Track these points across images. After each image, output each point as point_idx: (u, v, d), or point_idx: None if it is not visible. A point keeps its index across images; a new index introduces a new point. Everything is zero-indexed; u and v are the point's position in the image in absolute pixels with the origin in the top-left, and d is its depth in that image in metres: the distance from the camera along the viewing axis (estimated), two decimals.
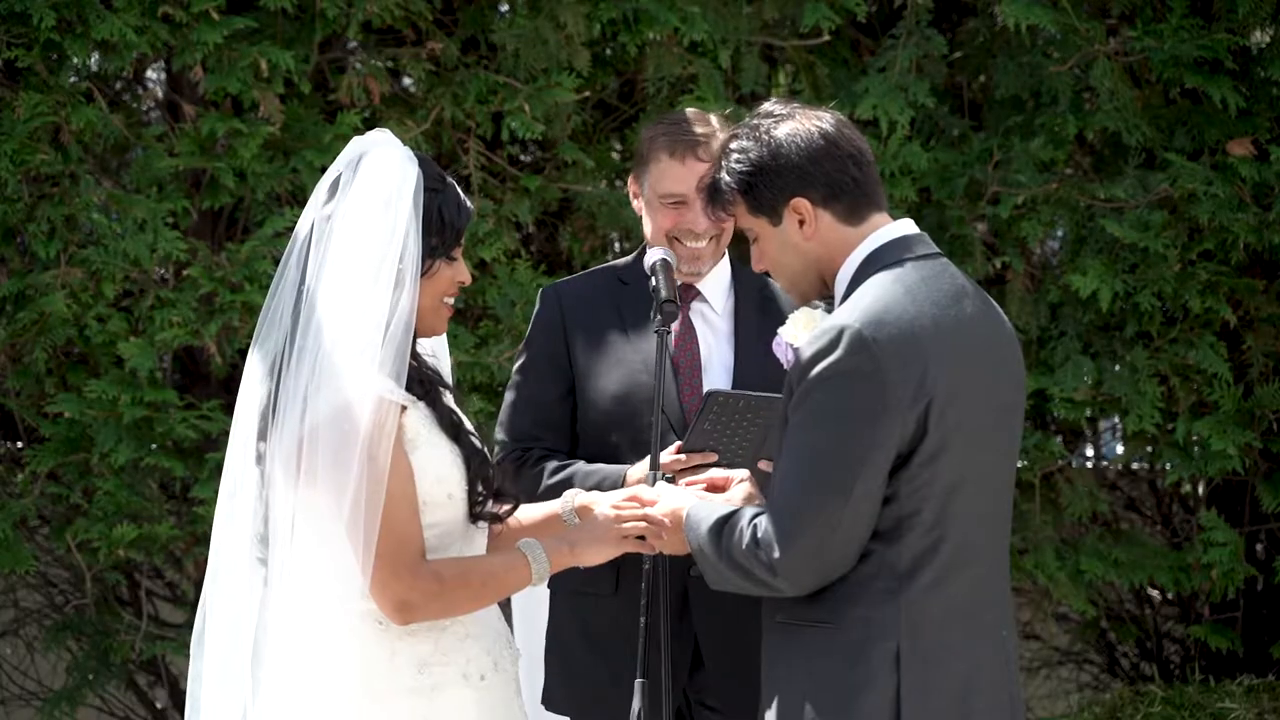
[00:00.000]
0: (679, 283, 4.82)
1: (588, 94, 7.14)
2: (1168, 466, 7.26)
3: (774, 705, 3.90)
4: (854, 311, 3.84)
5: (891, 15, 7.35)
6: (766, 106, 4.08)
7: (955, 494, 3.86)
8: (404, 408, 3.92)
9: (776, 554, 3.79)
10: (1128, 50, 7.01)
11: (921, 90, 7.03)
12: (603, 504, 4.19)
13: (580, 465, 4.78)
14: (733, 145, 4.03)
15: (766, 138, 3.99)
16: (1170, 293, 6.95)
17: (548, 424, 4.88)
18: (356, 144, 4.05)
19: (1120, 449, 7.67)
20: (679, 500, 4.08)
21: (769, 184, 3.97)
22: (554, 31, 6.98)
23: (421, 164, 4.01)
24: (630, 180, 4.95)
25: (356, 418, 3.84)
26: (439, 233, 4.00)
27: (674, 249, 4.81)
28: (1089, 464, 7.97)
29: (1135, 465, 7.92)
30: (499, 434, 4.93)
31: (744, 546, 3.84)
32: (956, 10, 7.56)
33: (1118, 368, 7.03)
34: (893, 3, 7.32)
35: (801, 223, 3.96)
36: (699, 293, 4.89)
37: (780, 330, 4.06)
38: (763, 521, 3.83)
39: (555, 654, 4.97)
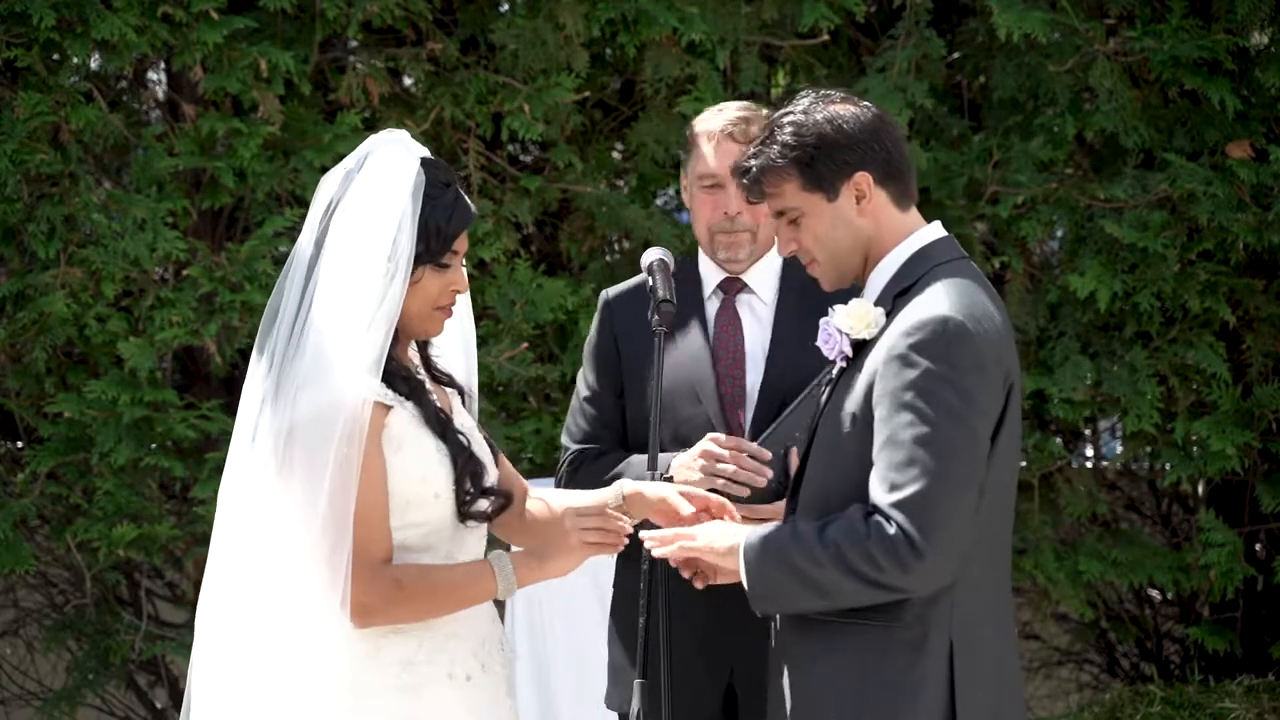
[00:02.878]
0: (724, 275, 4.89)
1: (587, 94, 7.14)
2: (1167, 466, 7.26)
3: (813, 704, 3.89)
4: (942, 304, 3.82)
5: (890, 15, 7.35)
6: (806, 93, 4.06)
7: (998, 488, 3.87)
8: (389, 407, 3.92)
9: (921, 550, 3.70)
10: (1127, 51, 7.01)
11: (920, 91, 7.03)
12: (652, 490, 4.15)
13: (635, 457, 4.78)
14: (786, 121, 3.99)
15: (828, 112, 3.99)
16: (1169, 293, 6.95)
17: (604, 424, 4.92)
18: (369, 141, 4.05)
19: (1119, 449, 7.66)
20: (730, 534, 3.98)
21: (831, 157, 3.94)
22: (553, 32, 6.99)
23: (426, 166, 4.00)
24: (682, 178, 5.01)
25: (334, 416, 3.83)
26: (424, 239, 3.97)
27: (715, 242, 4.84)
28: (1088, 464, 7.97)
29: (1134, 465, 7.92)
30: (563, 439, 4.98)
31: (862, 541, 3.73)
32: (955, 11, 7.57)
33: (1117, 368, 7.03)
34: (892, 3, 7.32)
35: (859, 199, 3.96)
36: (745, 284, 4.91)
37: (829, 321, 3.98)
38: (886, 519, 3.74)
39: (610, 653, 4.98)
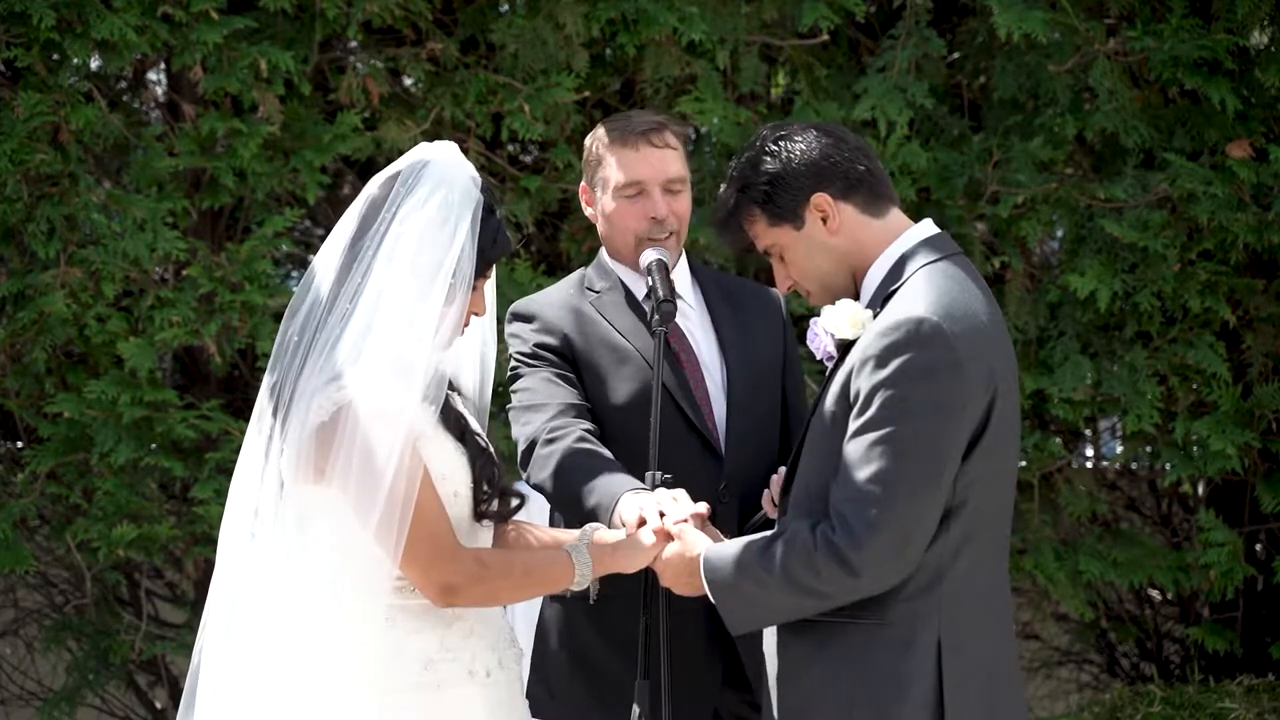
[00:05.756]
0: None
1: (587, 94, 7.14)
2: (1167, 466, 7.26)
3: (805, 705, 3.90)
4: (919, 304, 3.84)
5: (890, 15, 7.35)
6: (761, 131, 4.12)
7: (992, 486, 3.88)
8: None
9: (862, 549, 3.75)
10: (1127, 50, 7.01)
11: (920, 91, 7.03)
12: (614, 536, 4.20)
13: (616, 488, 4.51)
14: (742, 161, 4.06)
15: (773, 148, 4.03)
16: (1170, 293, 6.95)
17: (575, 410, 4.74)
18: (422, 149, 4.06)
19: (1119, 449, 7.67)
20: (695, 542, 4.05)
21: (787, 188, 3.99)
22: (553, 32, 6.99)
23: (483, 190, 4.04)
24: (581, 191, 4.89)
25: (381, 417, 3.86)
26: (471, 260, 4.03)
27: (644, 248, 4.80)
28: (1088, 464, 7.97)
29: (1134, 465, 7.92)
30: (521, 444, 4.71)
31: (809, 554, 3.79)
32: (955, 11, 7.56)
33: (1117, 368, 7.03)
34: (891, 3, 7.32)
35: (825, 219, 3.98)
36: (676, 292, 4.89)
37: (817, 321, 4.01)
38: (830, 527, 3.79)
39: (554, 659, 4.91)
